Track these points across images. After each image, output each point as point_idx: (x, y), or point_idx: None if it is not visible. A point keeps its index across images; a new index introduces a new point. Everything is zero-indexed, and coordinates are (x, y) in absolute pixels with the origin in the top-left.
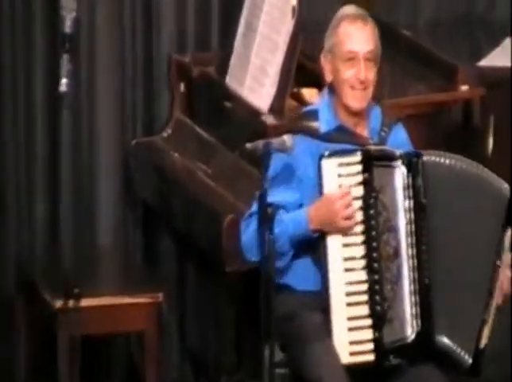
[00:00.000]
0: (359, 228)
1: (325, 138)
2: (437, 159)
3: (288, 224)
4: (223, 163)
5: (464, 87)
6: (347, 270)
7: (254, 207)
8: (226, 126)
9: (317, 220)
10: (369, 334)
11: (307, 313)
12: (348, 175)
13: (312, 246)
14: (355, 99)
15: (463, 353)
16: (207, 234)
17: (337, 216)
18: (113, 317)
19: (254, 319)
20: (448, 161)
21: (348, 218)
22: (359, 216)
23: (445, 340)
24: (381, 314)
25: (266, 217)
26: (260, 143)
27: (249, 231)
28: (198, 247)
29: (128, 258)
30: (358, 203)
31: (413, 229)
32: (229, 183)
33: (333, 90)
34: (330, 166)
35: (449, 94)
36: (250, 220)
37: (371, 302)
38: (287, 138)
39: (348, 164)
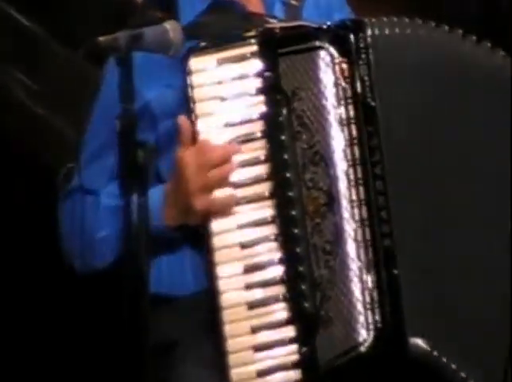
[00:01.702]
0: (262, 170)
1: (194, 28)
2: (392, 30)
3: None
4: (57, 72)
5: None
6: (244, 246)
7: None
8: (61, 6)
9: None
10: (292, 353)
11: (189, 340)
12: (237, 79)
13: None
14: None
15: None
16: (28, 202)
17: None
18: None
19: (120, 350)
20: (413, 33)
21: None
22: (260, 147)
23: (420, 343)
24: (311, 314)
25: (134, 167)
26: (122, 35)
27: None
28: (13, 227)
29: None
30: (258, 125)
31: (358, 156)
32: (67, 106)
33: None
34: (203, 67)
35: None
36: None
37: (292, 296)
38: (172, 27)
39: (235, 59)
